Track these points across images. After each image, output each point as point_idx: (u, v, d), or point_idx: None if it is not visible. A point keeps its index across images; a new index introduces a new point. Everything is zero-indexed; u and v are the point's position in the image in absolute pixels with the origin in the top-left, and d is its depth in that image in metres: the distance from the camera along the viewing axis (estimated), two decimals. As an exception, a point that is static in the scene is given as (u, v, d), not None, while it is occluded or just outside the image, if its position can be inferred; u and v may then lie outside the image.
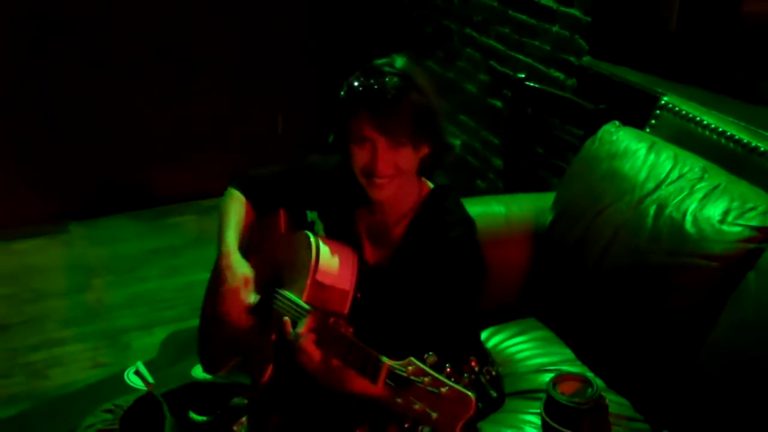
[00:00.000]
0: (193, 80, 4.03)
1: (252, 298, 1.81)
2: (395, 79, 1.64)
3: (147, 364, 2.82)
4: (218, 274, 1.86)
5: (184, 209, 4.06)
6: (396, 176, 1.68)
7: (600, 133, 2.26)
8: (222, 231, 1.92)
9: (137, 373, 2.78)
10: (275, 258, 1.90)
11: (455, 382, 1.34)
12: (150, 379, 2.63)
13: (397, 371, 1.41)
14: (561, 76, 3.00)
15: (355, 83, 1.67)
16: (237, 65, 4.10)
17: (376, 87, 1.63)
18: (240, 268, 1.84)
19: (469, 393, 1.32)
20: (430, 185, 1.81)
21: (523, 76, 3.03)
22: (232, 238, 1.89)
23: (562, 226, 2.20)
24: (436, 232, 1.74)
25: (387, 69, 1.66)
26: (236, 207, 1.96)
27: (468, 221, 1.78)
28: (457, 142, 3.70)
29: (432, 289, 1.68)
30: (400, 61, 1.69)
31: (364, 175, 1.70)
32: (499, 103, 3.43)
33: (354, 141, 1.69)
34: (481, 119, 3.59)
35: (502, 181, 3.36)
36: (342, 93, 1.69)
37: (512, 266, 2.28)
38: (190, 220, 3.98)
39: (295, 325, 1.63)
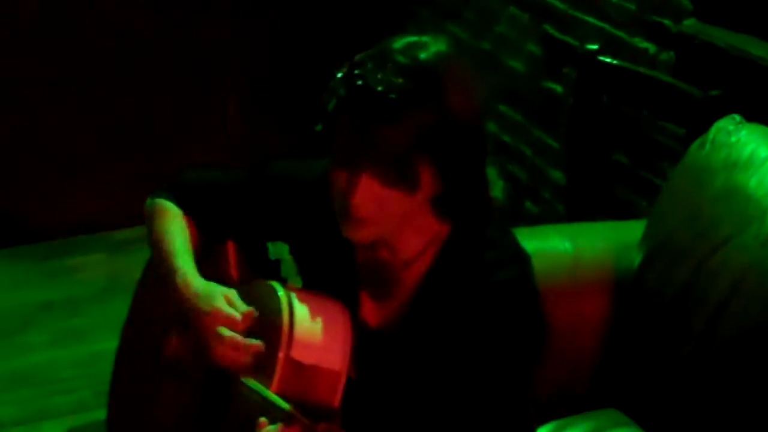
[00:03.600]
0: (101, 60, 4.06)
1: (244, 307, 1.79)
2: (400, 81, 1.61)
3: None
4: (182, 315, 1.85)
5: (88, 245, 4.06)
6: (376, 219, 1.68)
7: (712, 132, 2.27)
8: (168, 258, 1.91)
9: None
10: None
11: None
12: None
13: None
14: (651, 47, 3.00)
15: (343, 74, 1.66)
16: (165, 35, 4.14)
17: (362, 86, 1.62)
18: (211, 288, 1.83)
19: None
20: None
21: (595, 47, 3.03)
22: (187, 263, 1.90)
23: (656, 270, 2.20)
24: (472, 274, 1.73)
25: (400, 59, 1.63)
26: (178, 225, 1.97)
27: (521, 257, 1.79)
28: (498, 189, 3.70)
29: (467, 365, 1.67)
30: (430, 47, 1.66)
31: (337, 205, 1.71)
32: (558, 88, 3.43)
33: (332, 154, 1.70)
34: (530, 112, 3.59)
35: (563, 203, 3.37)
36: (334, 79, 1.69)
37: (582, 331, 2.28)
38: (97, 260, 3.99)
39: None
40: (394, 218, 1.68)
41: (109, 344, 2.38)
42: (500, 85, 3.69)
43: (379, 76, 1.60)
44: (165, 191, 2.01)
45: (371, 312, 1.82)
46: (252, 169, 1.98)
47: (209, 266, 1.97)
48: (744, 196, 2.09)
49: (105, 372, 2.21)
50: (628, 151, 3.09)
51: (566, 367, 2.24)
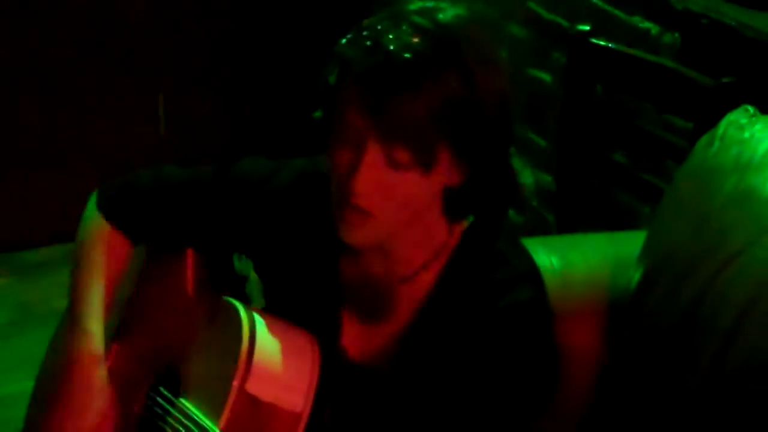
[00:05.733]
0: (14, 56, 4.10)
1: None
2: (418, 42, 1.64)
3: None
4: (62, 385, 1.88)
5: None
6: (381, 212, 1.69)
7: (722, 127, 2.25)
8: (78, 307, 1.93)
9: None
10: (171, 335, 1.94)
11: None
12: None
13: None
14: (653, 28, 3.02)
15: (350, 38, 1.71)
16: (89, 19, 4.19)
17: (372, 47, 1.65)
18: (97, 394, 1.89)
19: None
20: (468, 218, 1.84)
21: (586, 29, 3.04)
22: (95, 326, 1.91)
23: (657, 290, 2.17)
24: (481, 296, 1.76)
25: (417, 20, 1.67)
26: (103, 255, 1.98)
27: (534, 275, 1.84)
28: (529, 179, 3.70)
29: (471, 407, 1.70)
30: (450, 11, 1.71)
31: (336, 195, 1.72)
32: (546, 77, 3.47)
33: (335, 131, 1.72)
34: (515, 104, 3.60)
35: (552, 211, 3.39)
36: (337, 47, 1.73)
37: (570, 362, 2.19)
38: (3, 287, 3.96)
39: None
40: (401, 213, 1.69)
41: (19, 387, 2.37)
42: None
43: (391, 36, 1.64)
44: (105, 201, 2.01)
45: (355, 340, 1.84)
46: (216, 169, 1.98)
47: (161, 281, 2.01)
48: (759, 201, 2.06)
49: (15, 419, 2.21)
50: (626, 149, 3.11)
51: (555, 404, 2.15)
